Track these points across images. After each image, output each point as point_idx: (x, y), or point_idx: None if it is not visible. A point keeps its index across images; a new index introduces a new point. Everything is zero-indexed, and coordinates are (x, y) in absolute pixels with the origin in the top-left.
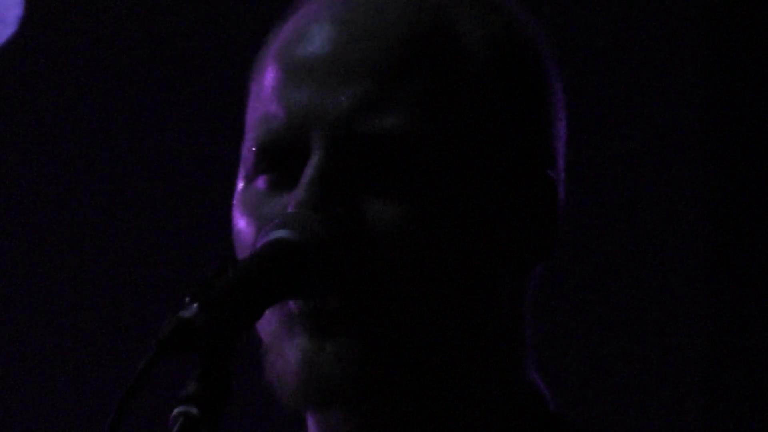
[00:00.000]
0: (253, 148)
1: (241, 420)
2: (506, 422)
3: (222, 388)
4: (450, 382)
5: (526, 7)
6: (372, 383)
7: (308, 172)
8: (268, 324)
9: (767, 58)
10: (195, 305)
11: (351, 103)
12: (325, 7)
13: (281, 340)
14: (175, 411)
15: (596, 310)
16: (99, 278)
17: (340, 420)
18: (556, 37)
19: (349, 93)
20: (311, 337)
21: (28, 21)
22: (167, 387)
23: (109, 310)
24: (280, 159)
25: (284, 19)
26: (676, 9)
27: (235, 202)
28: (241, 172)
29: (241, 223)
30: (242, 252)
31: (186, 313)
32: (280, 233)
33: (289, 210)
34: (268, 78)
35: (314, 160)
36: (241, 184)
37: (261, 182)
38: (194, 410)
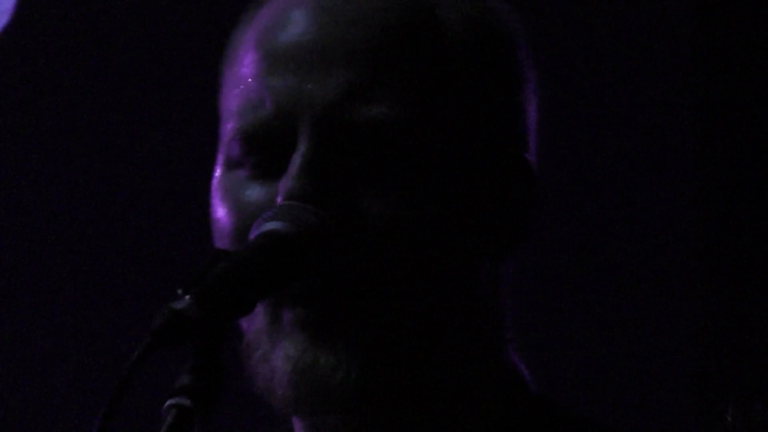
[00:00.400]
0: (238, 137)
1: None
2: (487, 403)
3: (215, 380)
4: (438, 369)
5: None
6: (372, 386)
7: (296, 161)
8: (254, 320)
9: (762, 58)
10: (187, 297)
11: (338, 91)
12: None
13: (267, 342)
14: (168, 403)
15: (594, 310)
16: (92, 274)
17: (339, 422)
18: (552, 37)
19: (335, 81)
20: (304, 351)
21: (21, 11)
22: (160, 378)
23: (102, 304)
24: (265, 147)
25: (258, 3)
26: (670, 9)
27: (213, 189)
28: (220, 159)
29: (220, 210)
30: (221, 239)
31: (179, 305)
32: (274, 225)
33: (279, 199)
34: (247, 64)
35: (302, 149)
36: (219, 171)
37: (243, 170)
38: (187, 402)
